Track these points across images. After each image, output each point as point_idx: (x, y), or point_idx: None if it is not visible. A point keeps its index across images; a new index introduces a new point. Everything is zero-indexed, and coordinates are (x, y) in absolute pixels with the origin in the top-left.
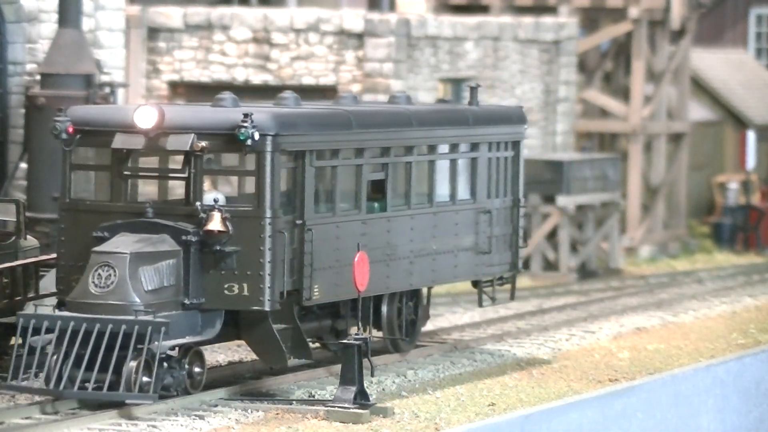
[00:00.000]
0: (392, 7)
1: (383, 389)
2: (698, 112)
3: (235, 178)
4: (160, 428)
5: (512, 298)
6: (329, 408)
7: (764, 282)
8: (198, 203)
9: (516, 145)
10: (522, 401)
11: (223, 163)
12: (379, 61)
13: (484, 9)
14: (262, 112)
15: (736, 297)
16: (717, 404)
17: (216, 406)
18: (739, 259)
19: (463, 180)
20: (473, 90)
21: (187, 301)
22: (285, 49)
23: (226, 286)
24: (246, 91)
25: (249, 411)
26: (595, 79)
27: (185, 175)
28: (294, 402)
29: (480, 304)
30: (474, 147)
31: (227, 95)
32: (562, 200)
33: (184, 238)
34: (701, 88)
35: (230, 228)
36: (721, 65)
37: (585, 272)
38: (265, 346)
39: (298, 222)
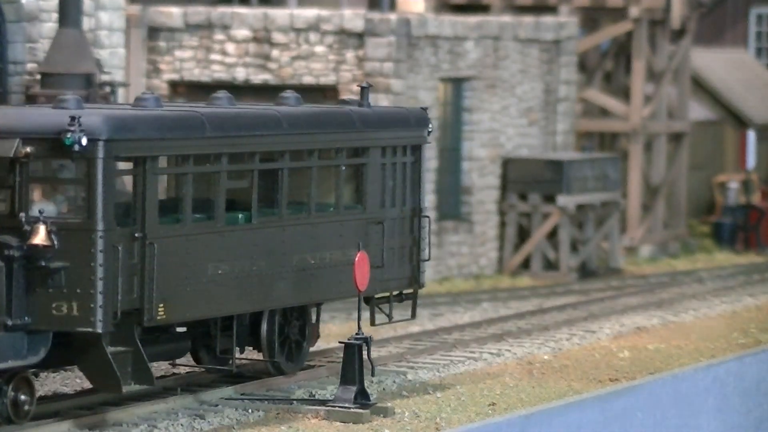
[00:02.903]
0: (392, 6)
1: (384, 389)
2: (698, 111)
3: (72, 187)
4: (160, 428)
5: (413, 315)
6: (330, 408)
7: (765, 282)
8: (22, 215)
9: (417, 149)
10: (522, 401)
11: (53, 171)
12: (380, 60)
13: (484, 8)
14: (93, 114)
15: (736, 297)
16: (717, 404)
17: (216, 405)
18: (740, 258)
19: (349, 188)
20: (364, 90)
21: (9, 322)
22: (285, 49)
23: (54, 305)
24: (246, 91)
25: (249, 411)
26: (595, 78)
27: (10, 183)
28: (294, 402)
29: (372, 323)
30: (362, 152)
31: (68, 96)
32: (562, 200)
33: (6, 252)
34: (701, 87)
35: (55, 242)
36: (721, 65)
37: (585, 272)
38: (97, 371)
39: (138, 235)
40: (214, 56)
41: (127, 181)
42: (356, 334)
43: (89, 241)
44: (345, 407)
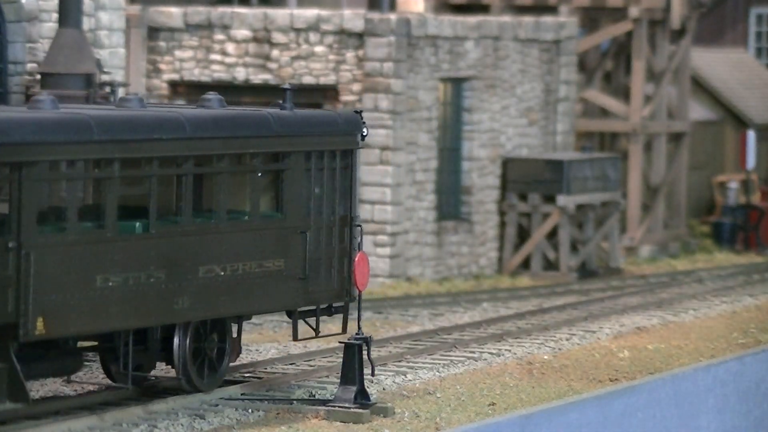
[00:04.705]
0: (392, 6)
1: (383, 389)
2: (698, 111)
3: None
4: (161, 428)
5: (344, 330)
6: (330, 408)
7: (764, 281)
8: None
9: (348, 154)
10: (522, 401)
11: None
12: (380, 60)
13: (484, 8)
14: None
15: (736, 296)
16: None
17: (217, 405)
18: (740, 258)
19: (268, 195)
20: (286, 92)
21: None
22: (285, 49)
23: None
24: (246, 91)
25: (249, 411)
26: (595, 78)
27: None
28: (294, 402)
29: (294, 338)
30: (282, 157)
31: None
32: (562, 200)
33: None
34: (701, 87)
35: None
36: (721, 65)
37: (585, 272)
38: None
39: (12, 245)
40: (214, 56)
41: None
42: (356, 334)
43: None
44: (345, 407)
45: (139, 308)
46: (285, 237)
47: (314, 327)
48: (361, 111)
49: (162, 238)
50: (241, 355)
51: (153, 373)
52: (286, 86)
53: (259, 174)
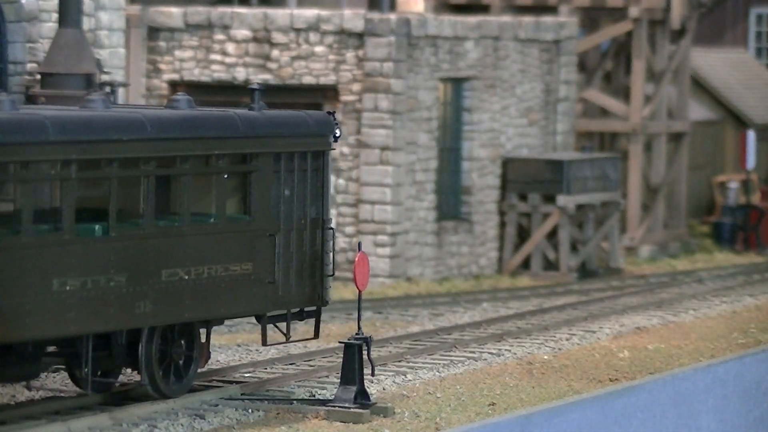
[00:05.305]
0: (392, 6)
1: (383, 389)
2: (698, 111)
3: None
4: (161, 428)
5: (316, 335)
6: (330, 408)
7: (764, 281)
8: None
9: (319, 156)
10: (522, 401)
11: None
12: (380, 60)
13: (484, 8)
14: None
15: (736, 296)
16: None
17: (217, 405)
18: (740, 258)
19: (236, 197)
20: (254, 93)
21: None
22: (285, 49)
23: None
24: (246, 91)
25: (249, 411)
26: (595, 78)
27: None
28: (294, 402)
29: (264, 343)
30: (249, 159)
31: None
32: (562, 200)
33: None
34: (701, 87)
35: None
36: (721, 65)
37: (585, 272)
38: None
39: None
40: (214, 56)
41: None
42: (356, 334)
43: None
44: (345, 407)
45: (99, 312)
46: (253, 240)
47: (284, 332)
48: (333, 112)
49: (122, 240)
50: (241, 356)
51: (122, 378)
52: (255, 86)
53: (226, 176)
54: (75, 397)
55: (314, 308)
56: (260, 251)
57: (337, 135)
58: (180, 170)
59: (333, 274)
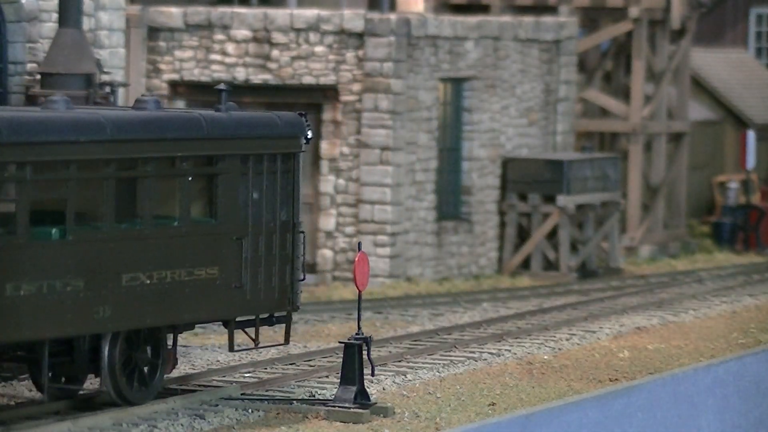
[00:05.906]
0: (392, 6)
1: (383, 389)
2: (698, 111)
3: None
4: (161, 428)
5: (287, 341)
6: (330, 408)
7: (764, 281)
8: None
9: (290, 158)
10: (522, 401)
11: None
12: (380, 60)
13: (484, 8)
14: None
15: (736, 296)
16: (717, 404)
17: (216, 405)
18: (740, 258)
19: (200, 200)
20: (221, 94)
21: None
22: (285, 49)
23: None
24: (246, 91)
25: (249, 411)
26: (595, 78)
27: None
28: (294, 402)
29: (230, 348)
30: (215, 161)
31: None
32: (562, 200)
33: None
34: (701, 87)
35: None
36: (721, 65)
37: (585, 272)
38: None
39: None
40: (214, 56)
41: None
42: (356, 334)
43: None
44: (345, 407)
45: (55, 318)
46: (219, 244)
47: (253, 337)
48: (305, 113)
49: (80, 244)
50: (241, 355)
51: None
52: (221, 87)
53: (190, 178)
54: (75, 398)
55: (284, 313)
56: (227, 255)
57: (308, 136)
58: (142, 172)
59: (303, 279)
